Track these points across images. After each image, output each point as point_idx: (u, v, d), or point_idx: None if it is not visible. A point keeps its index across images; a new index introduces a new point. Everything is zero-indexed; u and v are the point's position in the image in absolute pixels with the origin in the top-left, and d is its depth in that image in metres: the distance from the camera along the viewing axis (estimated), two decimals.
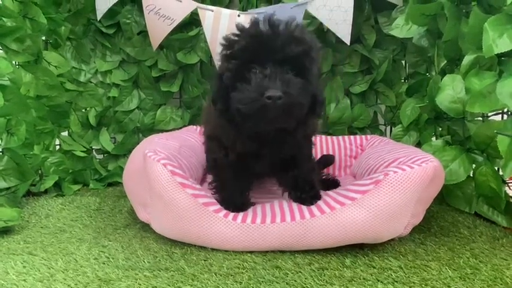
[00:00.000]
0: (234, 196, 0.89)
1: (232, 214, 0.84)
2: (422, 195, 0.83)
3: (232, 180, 0.90)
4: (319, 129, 0.95)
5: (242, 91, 0.72)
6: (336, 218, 0.79)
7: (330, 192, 0.91)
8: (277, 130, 0.79)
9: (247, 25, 0.75)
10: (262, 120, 0.73)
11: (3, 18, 1.11)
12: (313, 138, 0.97)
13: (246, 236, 0.81)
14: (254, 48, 0.71)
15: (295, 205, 0.88)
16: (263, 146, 0.83)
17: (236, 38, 0.73)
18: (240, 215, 0.85)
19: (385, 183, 0.79)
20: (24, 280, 0.70)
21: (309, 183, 0.90)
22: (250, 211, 0.87)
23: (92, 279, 0.71)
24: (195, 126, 1.47)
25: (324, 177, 1.20)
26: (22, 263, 0.77)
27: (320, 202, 0.85)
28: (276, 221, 0.81)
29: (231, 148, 0.85)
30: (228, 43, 0.75)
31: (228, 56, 0.74)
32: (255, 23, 0.73)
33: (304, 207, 0.85)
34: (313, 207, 0.84)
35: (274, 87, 0.68)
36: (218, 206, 0.85)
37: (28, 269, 0.74)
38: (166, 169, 0.83)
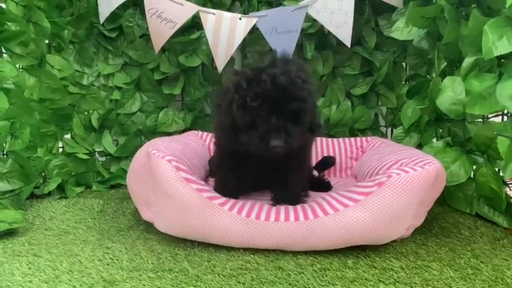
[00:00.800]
0: (228, 181, 0.97)
1: (237, 208, 0.85)
2: (424, 197, 0.83)
3: (229, 172, 0.97)
4: (310, 143, 1.02)
5: (250, 136, 0.83)
6: (339, 220, 0.80)
7: (333, 194, 0.92)
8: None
9: (255, 76, 0.82)
10: (264, 157, 0.85)
11: (8, 23, 1.12)
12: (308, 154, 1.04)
13: (248, 231, 0.82)
14: (261, 106, 0.81)
15: (299, 205, 0.89)
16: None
17: (250, 95, 0.81)
18: (245, 209, 0.85)
19: (388, 185, 0.80)
20: (30, 281, 0.71)
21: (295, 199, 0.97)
22: (256, 206, 0.88)
23: (97, 280, 0.71)
24: (196, 131, 1.48)
25: (317, 178, 1.21)
26: (27, 265, 0.78)
27: (324, 203, 0.86)
28: (279, 220, 0.82)
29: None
30: (240, 93, 0.83)
31: (242, 107, 0.83)
32: (262, 81, 0.81)
33: (308, 208, 0.86)
34: (317, 208, 0.85)
35: (277, 138, 0.80)
36: (223, 200, 0.86)
37: (33, 271, 0.75)
38: (171, 165, 0.85)
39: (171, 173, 0.84)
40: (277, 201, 0.96)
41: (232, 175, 0.98)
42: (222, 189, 0.93)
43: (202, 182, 0.89)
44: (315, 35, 1.51)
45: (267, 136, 0.80)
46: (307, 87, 0.83)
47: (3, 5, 1.13)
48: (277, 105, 0.80)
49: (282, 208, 0.88)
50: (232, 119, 0.84)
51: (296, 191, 0.98)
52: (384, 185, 0.80)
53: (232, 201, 0.89)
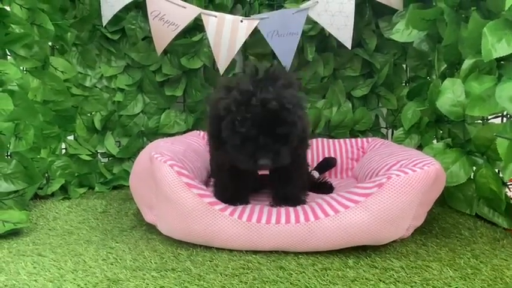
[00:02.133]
0: (227, 188, 0.97)
1: (237, 212, 0.86)
2: (424, 198, 0.84)
3: (228, 176, 0.97)
4: (308, 144, 1.01)
5: (239, 155, 0.84)
6: (339, 221, 0.81)
7: (334, 195, 0.93)
8: None
9: (244, 100, 0.82)
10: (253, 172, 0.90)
11: (12, 25, 1.13)
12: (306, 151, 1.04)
13: (250, 234, 0.83)
14: (250, 128, 0.82)
15: (300, 207, 0.90)
16: None
17: (239, 119, 0.82)
18: (246, 213, 0.86)
19: (388, 186, 0.81)
20: (35, 280, 0.72)
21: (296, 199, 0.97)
22: (256, 209, 0.89)
23: (101, 279, 0.72)
24: (198, 131, 1.49)
25: (319, 180, 1.22)
26: (32, 264, 0.79)
27: (324, 205, 0.87)
28: (280, 222, 0.83)
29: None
30: (230, 115, 0.83)
31: (233, 131, 0.83)
32: (252, 106, 0.81)
33: (308, 210, 0.87)
34: (318, 210, 0.85)
35: (265, 157, 0.82)
36: (224, 205, 0.87)
37: (38, 270, 0.76)
38: (172, 170, 0.86)
39: (172, 178, 0.85)
40: (277, 201, 0.97)
41: (231, 181, 0.98)
42: (222, 196, 0.93)
43: (204, 187, 0.90)
44: (316, 37, 1.52)
45: (255, 155, 0.83)
46: (298, 111, 0.84)
47: (8, 8, 1.14)
48: (266, 128, 0.82)
49: (283, 210, 0.88)
50: (222, 137, 0.85)
51: (297, 189, 0.99)
52: (384, 186, 0.81)
53: (233, 206, 0.90)
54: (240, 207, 0.90)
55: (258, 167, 0.84)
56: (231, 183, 0.98)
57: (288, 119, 0.81)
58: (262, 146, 0.82)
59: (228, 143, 0.85)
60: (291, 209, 0.89)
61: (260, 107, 0.80)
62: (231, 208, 0.88)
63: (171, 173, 0.86)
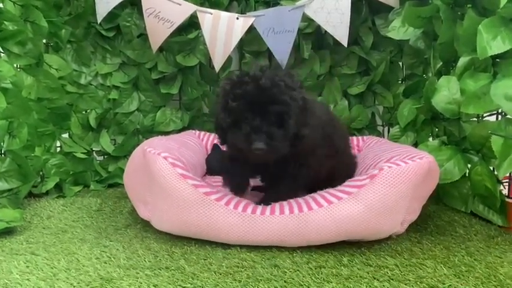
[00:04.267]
0: (234, 179, 0.96)
1: (233, 203, 0.86)
2: (417, 191, 0.84)
3: (235, 168, 0.96)
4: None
5: (235, 137, 0.84)
6: (332, 212, 0.81)
7: (328, 189, 0.92)
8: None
9: (240, 79, 0.85)
10: (249, 158, 0.86)
11: (5, 22, 1.12)
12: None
13: (244, 225, 0.83)
14: (244, 107, 0.82)
15: (293, 200, 0.90)
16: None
17: (231, 96, 0.84)
18: (241, 204, 0.86)
19: (380, 177, 0.81)
20: (28, 279, 0.71)
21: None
22: (251, 203, 0.89)
23: (94, 278, 0.72)
24: (194, 131, 1.48)
25: None
26: (25, 263, 0.78)
27: (318, 196, 0.87)
28: (275, 213, 0.83)
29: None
30: (224, 97, 0.86)
31: (225, 109, 0.85)
32: (244, 83, 0.83)
33: (302, 202, 0.87)
34: (311, 201, 0.86)
35: (259, 140, 0.80)
36: (219, 195, 0.87)
37: (31, 269, 0.76)
38: (167, 161, 0.86)
39: (167, 169, 0.85)
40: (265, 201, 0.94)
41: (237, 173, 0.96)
42: (229, 185, 0.94)
43: (199, 179, 0.90)
44: (312, 35, 1.52)
45: (249, 137, 0.81)
46: (290, 92, 0.83)
47: (1, 5, 1.13)
48: (259, 107, 0.81)
49: (277, 203, 0.88)
50: (218, 119, 0.87)
51: (284, 195, 0.93)
52: (376, 177, 0.81)
53: (229, 196, 0.89)
54: (236, 199, 0.89)
55: (254, 152, 0.80)
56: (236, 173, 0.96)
57: (279, 97, 0.80)
58: (256, 127, 0.80)
59: (224, 125, 0.84)
60: (285, 202, 0.89)
61: (252, 84, 0.81)
62: (226, 198, 0.87)
63: (165, 164, 0.86)
